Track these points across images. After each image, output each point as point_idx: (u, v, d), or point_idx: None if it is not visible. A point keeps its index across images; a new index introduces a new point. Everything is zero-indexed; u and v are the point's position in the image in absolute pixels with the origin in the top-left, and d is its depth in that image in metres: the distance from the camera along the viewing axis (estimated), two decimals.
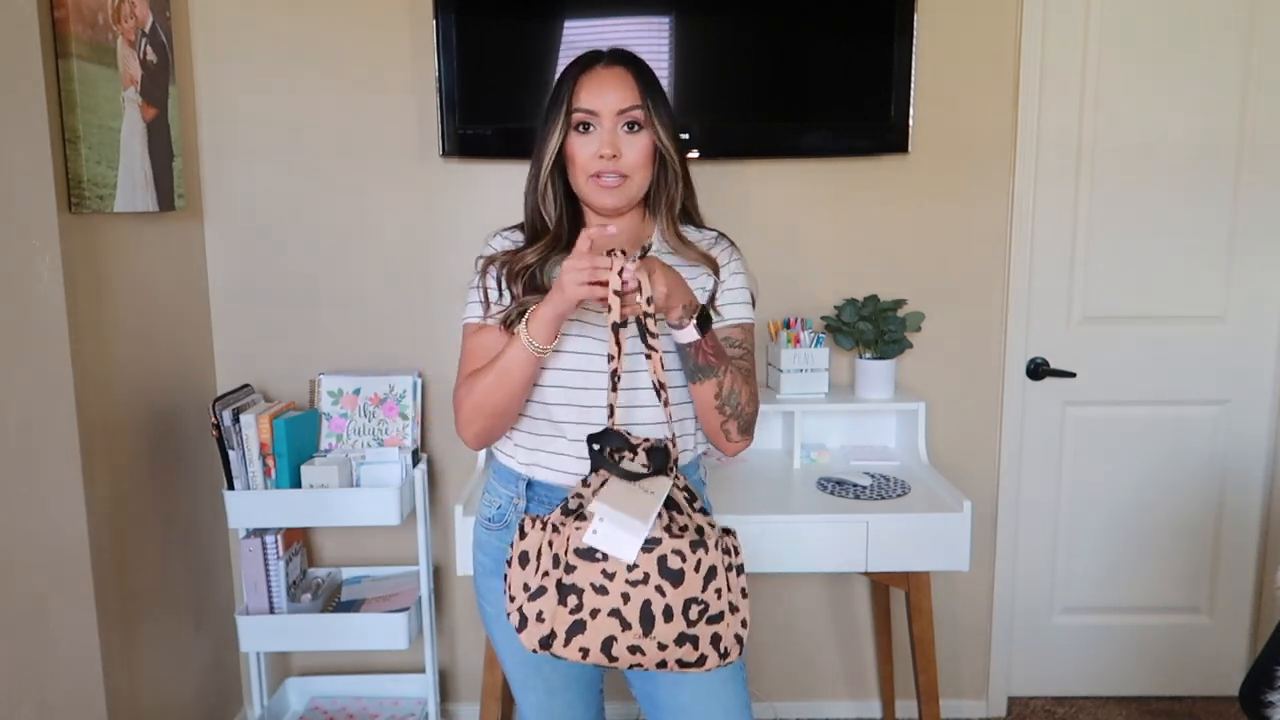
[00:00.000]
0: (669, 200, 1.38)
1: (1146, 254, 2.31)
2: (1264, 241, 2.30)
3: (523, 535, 1.19)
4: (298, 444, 2.11)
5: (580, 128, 1.33)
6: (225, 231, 2.26)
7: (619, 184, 1.32)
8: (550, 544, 1.15)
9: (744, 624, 1.18)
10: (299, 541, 2.26)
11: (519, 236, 1.42)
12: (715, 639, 1.15)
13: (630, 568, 1.11)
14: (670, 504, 1.18)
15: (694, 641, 1.13)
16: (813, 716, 2.47)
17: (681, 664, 1.14)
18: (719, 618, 1.15)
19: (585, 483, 1.23)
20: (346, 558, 2.39)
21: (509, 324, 1.34)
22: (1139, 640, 2.50)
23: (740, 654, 1.18)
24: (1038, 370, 2.36)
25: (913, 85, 2.14)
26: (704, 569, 1.14)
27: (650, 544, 1.12)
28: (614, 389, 1.22)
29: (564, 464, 1.36)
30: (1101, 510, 2.44)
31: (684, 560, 1.13)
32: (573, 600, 1.12)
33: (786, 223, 2.26)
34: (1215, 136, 2.25)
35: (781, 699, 2.47)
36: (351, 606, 2.21)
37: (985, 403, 2.36)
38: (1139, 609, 2.49)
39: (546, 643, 1.13)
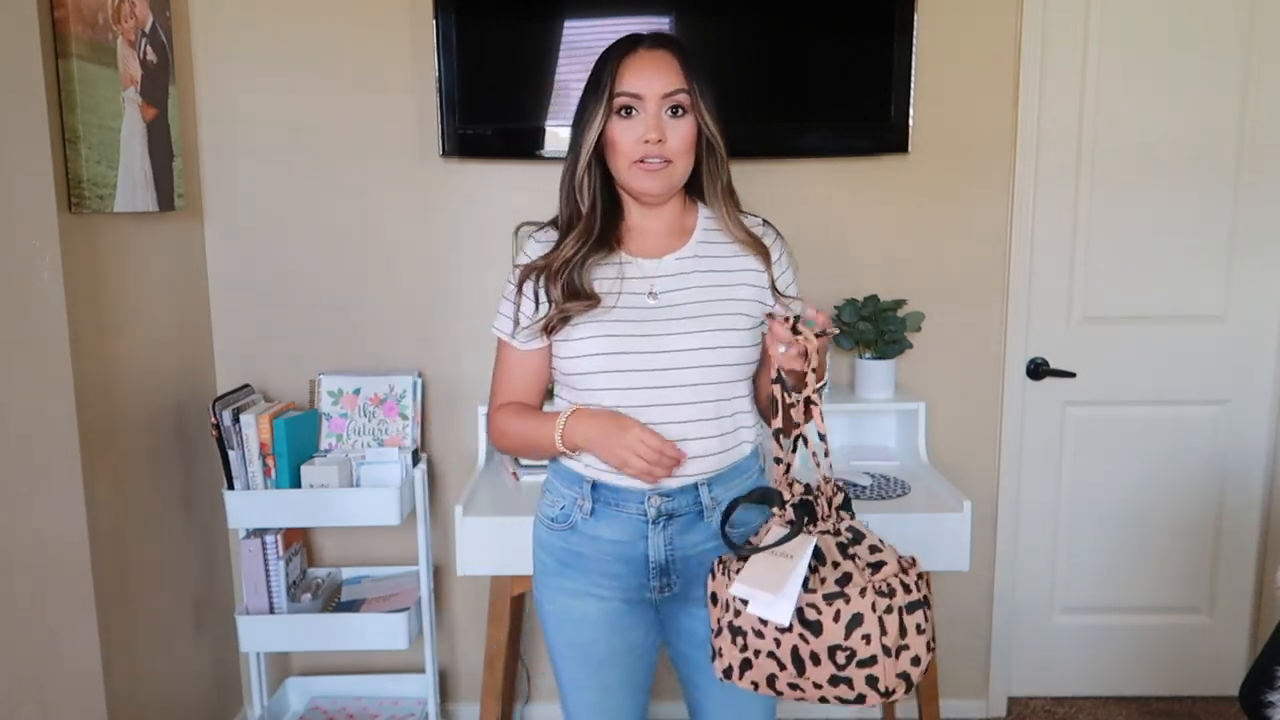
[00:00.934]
0: (724, 185, 1.38)
1: (1146, 254, 2.31)
2: (1264, 241, 2.30)
3: (713, 576, 1.25)
4: (298, 444, 2.11)
5: (623, 112, 1.30)
6: (225, 231, 2.26)
7: (663, 168, 1.31)
8: (726, 586, 1.21)
9: (915, 661, 1.15)
10: (299, 541, 2.26)
11: (553, 234, 1.38)
12: (871, 680, 1.14)
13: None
14: (815, 554, 1.18)
15: (848, 683, 1.15)
16: (813, 716, 2.46)
17: (842, 700, 1.16)
18: (871, 661, 1.13)
19: (762, 528, 1.26)
20: (346, 558, 2.39)
21: (550, 329, 1.34)
22: (1139, 640, 2.50)
23: (909, 689, 1.16)
24: (1038, 370, 2.36)
25: (913, 85, 2.14)
26: (845, 618, 1.13)
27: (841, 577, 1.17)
28: (793, 448, 1.26)
29: None
30: (1101, 510, 2.44)
31: (819, 613, 1.14)
32: (740, 640, 1.20)
33: (786, 223, 2.23)
34: (1215, 136, 2.25)
35: (782, 699, 2.47)
36: (351, 606, 2.21)
37: (985, 403, 2.36)
38: (1139, 609, 2.49)
39: (728, 674, 1.22)
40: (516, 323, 1.37)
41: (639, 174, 1.31)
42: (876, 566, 1.18)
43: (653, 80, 1.29)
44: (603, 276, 1.34)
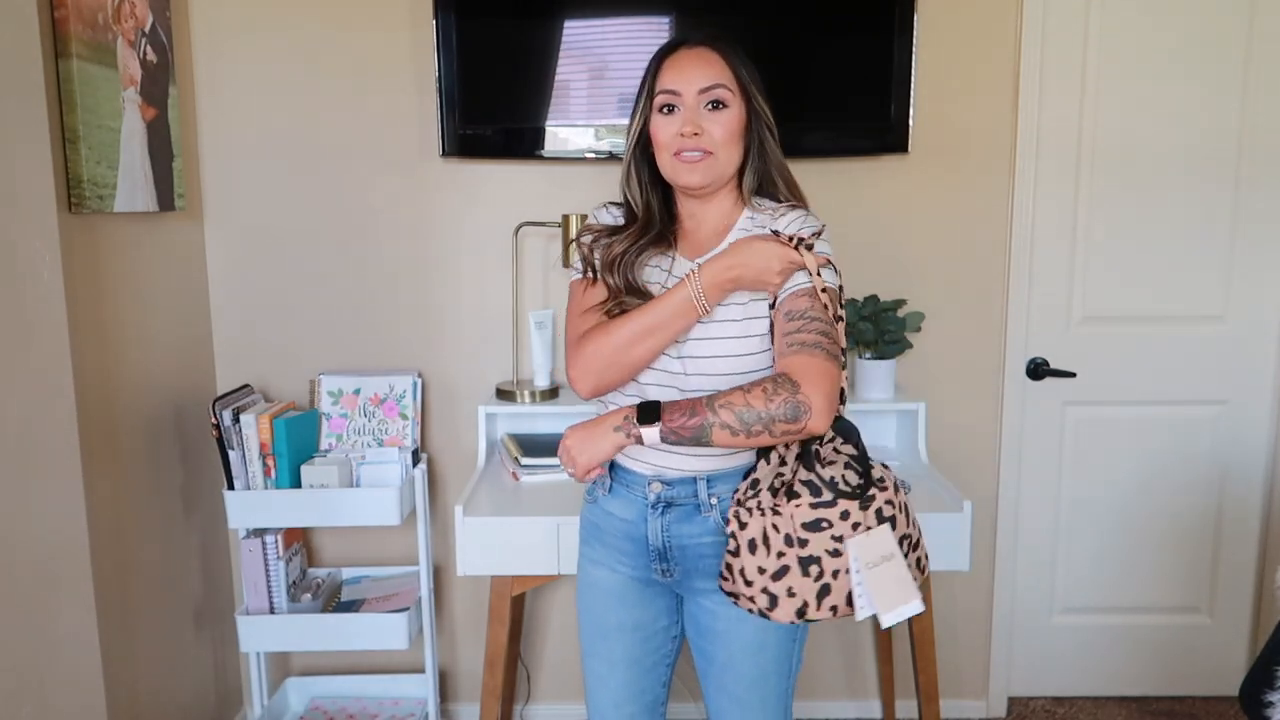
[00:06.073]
0: (765, 178, 1.38)
1: (1146, 254, 2.31)
2: (1264, 241, 2.30)
3: (742, 525, 1.25)
4: (298, 444, 2.11)
5: (664, 109, 1.33)
6: (225, 231, 2.26)
7: (703, 159, 1.32)
8: (775, 526, 1.23)
9: (921, 541, 1.33)
10: (299, 541, 2.26)
11: (619, 211, 1.43)
12: (919, 562, 1.31)
13: (855, 526, 1.22)
14: (866, 457, 1.28)
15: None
16: (813, 716, 2.47)
17: None
18: (918, 544, 1.31)
19: (780, 462, 1.29)
20: (346, 558, 2.39)
21: (609, 315, 1.35)
22: (1139, 640, 2.50)
23: (929, 566, 1.35)
24: (1038, 370, 2.36)
25: (913, 85, 2.14)
26: (903, 508, 1.29)
27: (867, 501, 1.24)
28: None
29: (635, 450, 1.37)
30: (1101, 510, 2.44)
31: (894, 507, 1.25)
32: (814, 569, 1.22)
33: None
34: (1215, 136, 2.25)
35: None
36: (351, 606, 2.21)
37: (985, 403, 2.36)
38: (1139, 609, 2.49)
39: (801, 612, 1.23)
40: (586, 267, 1.40)
41: (679, 167, 1.33)
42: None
43: (690, 76, 1.31)
44: (656, 265, 1.38)
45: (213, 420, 2.03)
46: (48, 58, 1.62)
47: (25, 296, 1.48)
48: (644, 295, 1.34)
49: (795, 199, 1.38)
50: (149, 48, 1.94)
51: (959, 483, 2.27)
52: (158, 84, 1.98)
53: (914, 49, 2.12)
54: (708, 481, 1.37)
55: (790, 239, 1.26)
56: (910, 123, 2.16)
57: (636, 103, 1.37)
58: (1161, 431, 2.40)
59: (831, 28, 2.12)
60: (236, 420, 2.04)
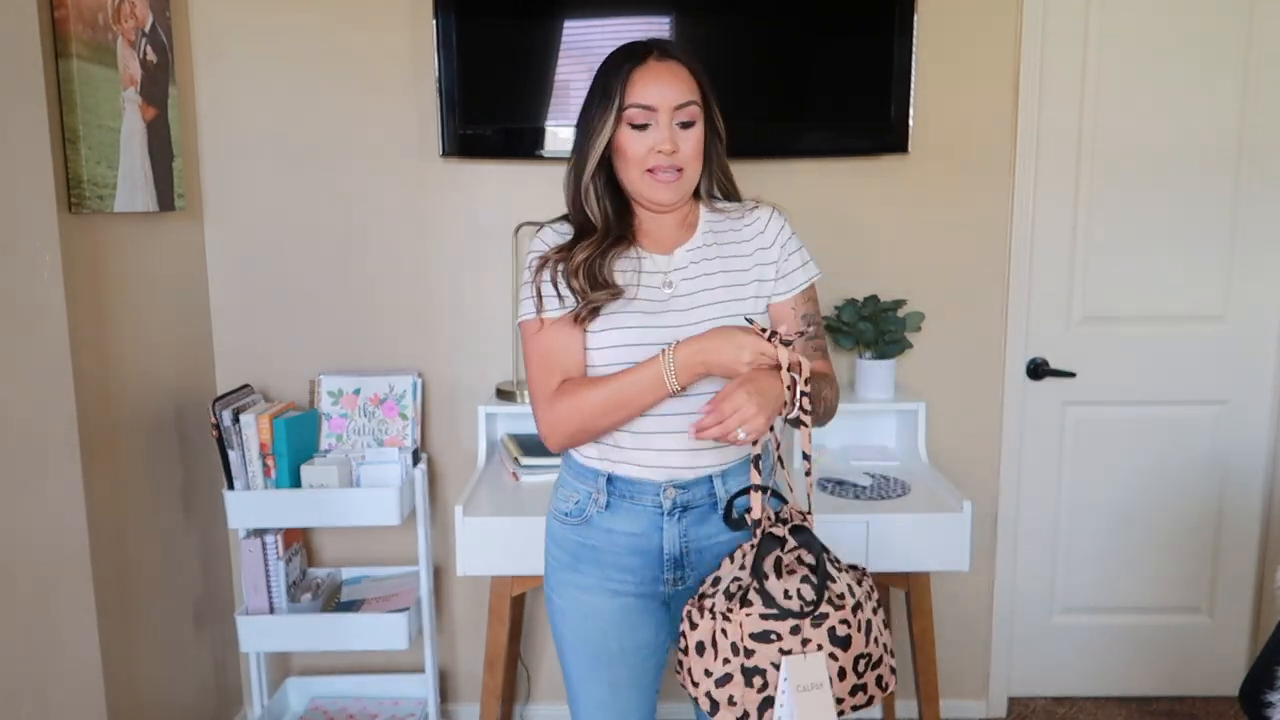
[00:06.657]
0: (710, 186, 1.41)
1: (1146, 254, 2.31)
2: (1264, 241, 2.30)
3: (693, 626, 1.22)
4: (298, 444, 2.11)
5: (634, 123, 1.29)
6: (225, 232, 2.26)
7: (676, 179, 1.31)
8: (724, 632, 1.18)
9: (892, 654, 1.25)
10: (299, 541, 2.27)
11: (567, 228, 1.38)
12: (879, 680, 1.23)
13: (804, 642, 1.16)
14: (825, 575, 1.21)
15: (863, 689, 1.21)
16: None
17: (855, 708, 1.21)
18: (879, 662, 1.23)
19: (741, 565, 1.23)
20: (346, 558, 2.39)
21: (579, 320, 1.32)
22: (1139, 640, 2.50)
23: (895, 682, 1.26)
24: (1038, 370, 2.36)
25: (913, 85, 2.14)
26: (863, 626, 1.21)
27: (819, 619, 1.17)
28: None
29: (645, 458, 1.35)
30: (1101, 510, 2.44)
31: (850, 627, 1.18)
32: (758, 680, 1.17)
33: None
34: (1215, 137, 2.25)
35: None
36: (351, 606, 2.21)
37: (985, 403, 2.36)
38: (1139, 609, 2.49)
39: None
40: (540, 301, 1.34)
41: (651, 184, 1.32)
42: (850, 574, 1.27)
43: (665, 92, 1.29)
44: (621, 270, 1.35)
45: (213, 420, 2.03)
46: (48, 58, 1.62)
47: (25, 296, 1.48)
48: (611, 287, 1.31)
49: (736, 196, 1.44)
50: (149, 48, 1.94)
51: (959, 483, 2.27)
52: (158, 84, 1.98)
53: (914, 49, 2.12)
54: (723, 478, 1.37)
55: (764, 331, 1.22)
56: (910, 123, 2.16)
57: (596, 112, 1.31)
58: (1161, 431, 2.40)
59: (831, 28, 2.12)
60: (236, 420, 2.04)
